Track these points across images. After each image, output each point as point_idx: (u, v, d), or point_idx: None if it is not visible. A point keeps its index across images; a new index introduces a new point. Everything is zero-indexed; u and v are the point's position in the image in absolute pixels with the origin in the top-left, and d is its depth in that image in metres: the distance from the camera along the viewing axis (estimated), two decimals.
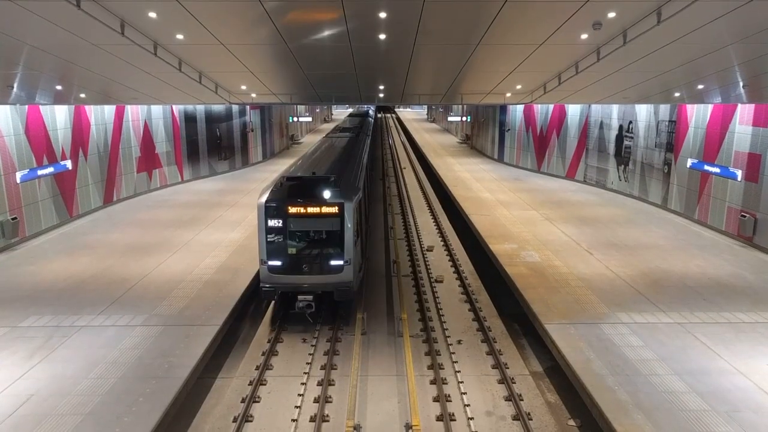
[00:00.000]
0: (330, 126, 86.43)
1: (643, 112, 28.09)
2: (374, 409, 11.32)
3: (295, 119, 56.22)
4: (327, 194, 14.42)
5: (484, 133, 48.86)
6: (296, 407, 11.31)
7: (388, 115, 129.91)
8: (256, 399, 11.66)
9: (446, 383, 12.20)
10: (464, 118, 56.09)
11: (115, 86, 17.58)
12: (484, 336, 14.50)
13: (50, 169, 22.38)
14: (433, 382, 12.28)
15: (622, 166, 30.00)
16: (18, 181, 20.51)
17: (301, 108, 58.39)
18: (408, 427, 10.43)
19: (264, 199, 14.57)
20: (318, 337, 14.46)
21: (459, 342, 14.24)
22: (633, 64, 13.81)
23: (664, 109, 26.20)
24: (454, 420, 10.89)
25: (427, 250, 22.13)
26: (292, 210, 14.38)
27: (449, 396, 11.66)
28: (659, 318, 14.02)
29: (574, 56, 13.91)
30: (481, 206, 26.96)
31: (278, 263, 14.56)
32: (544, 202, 28.09)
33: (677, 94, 19.34)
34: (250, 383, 12.15)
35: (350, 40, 12.39)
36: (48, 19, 10.16)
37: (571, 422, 11.26)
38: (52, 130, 22.69)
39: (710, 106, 22.79)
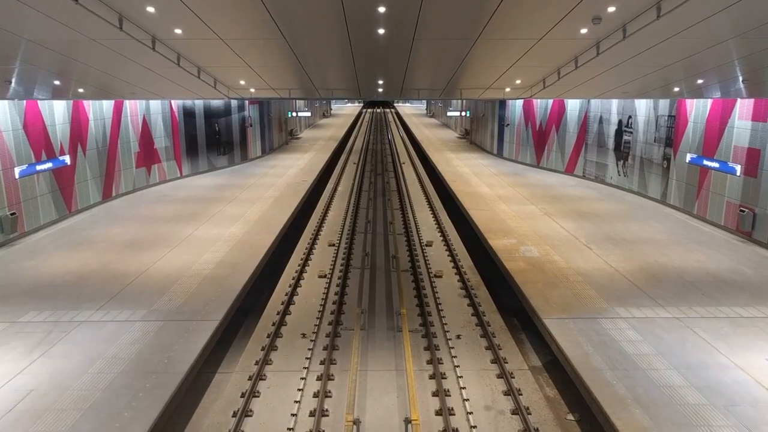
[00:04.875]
0: (329, 121, 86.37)
1: (642, 106, 28.06)
2: (373, 403, 11.35)
3: (294, 114, 56.10)
4: None
5: (484, 128, 48.80)
6: (296, 402, 11.34)
7: (387, 110, 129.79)
8: (256, 393, 11.69)
9: (445, 378, 12.23)
10: (463, 113, 55.99)
11: (114, 81, 17.55)
12: (483, 331, 14.52)
13: (49, 165, 22.35)
14: (432, 377, 12.30)
15: (622, 161, 29.99)
16: (16, 176, 20.48)
17: (300, 103, 58.26)
18: (407, 421, 10.45)
19: None
20: (317, 333, 14.48)
21: (458, 337, 14.26)
22: (632, 59, 13.79)
23: (664, 104, 26.17)
24: (453, 414, 10.92)
25: (427, 245, 22.14)
26: None
27: (448, 390, 11.68)
28: (658, 312, 14.05)
29: (573, 51, 13.90)
30: (480, 201, 26.96)
31: None
32: (543, 197, 28.09)
33: (677, 89, 19.33)
34: (250, 378, 12.18)
35: (349, 35, 12.37)
36: (45, 14, 10.13)
37: (570, 416, 11.30)
38: (51, 125, 22.64)
39: (709, 101, 22.77)
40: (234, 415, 10.89)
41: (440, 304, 16.34)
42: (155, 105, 31.43)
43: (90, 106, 25.57)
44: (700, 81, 17.13)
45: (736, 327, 13.25)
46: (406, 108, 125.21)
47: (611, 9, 10.39)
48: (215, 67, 16.07)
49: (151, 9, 10.35)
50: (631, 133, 29.00)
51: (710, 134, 22.80)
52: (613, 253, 18.70)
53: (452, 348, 13.62)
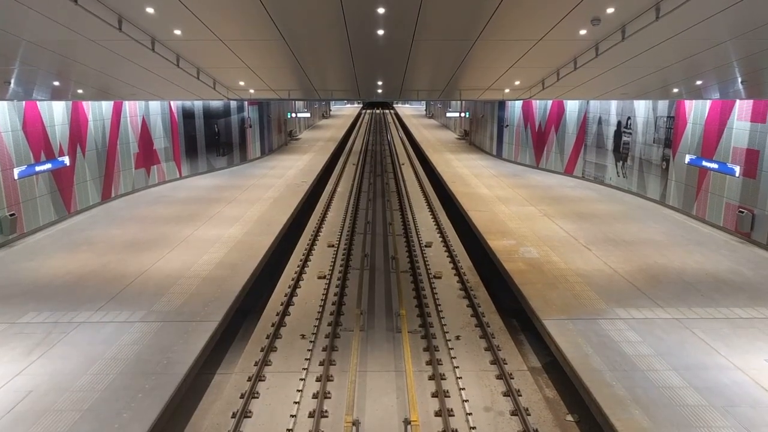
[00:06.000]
0: (328, 122, 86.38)
1: (641, 107, 28.08)
2: (373, 404, 11.35)
3: (294, 115, 56.07)
4: None
5: (483, 129, 48.82)
6: (295, 403, 11.34)
7: (386, 111, 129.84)
8: (255, 394, 11.68)
9: (445, 379, 12.23)
10: (463, 114, 56.02)
11: (113, 82, 17.55)
12: (483, 332, 14.52)
13: (48, 165, 22.34)
14: (431, 378, 12.30)
15: (621, 161, 30.01)
16: (16, 177, 20.47)
17: (299, 104, 58.27)
18: (407, 422, 10.46)
19: None
20: (317, 334, 14.48)
21: (457, 338, 14.26)
22: (631, 60, 13.80)
23: (663, 105, 26.19)
24: (453, 415, 10.92)
25: (426, 246, 22.14)
26: None
27: (448, 391, 11.68)
28: (657, 313, 14.05)
29: (572, 52, 13.91)
30: (479, 202, 26.97)
31: None
32: (542, 198, 28.11)
33: (676, 90, 19.34)
34: (249, 379, 12.17)
35: (349, 36, 12.37)
36: (45, 15, 10.13)
37: (570, 417, 11.31)
38: (50, 126, 22.63)
39: (708, 102, 22.79)
40: (233, 416, 10.88)
41: (439, 305, 16.33)
42: (154, 106, 31.41)
43: (89, 107, 25.56)
44: (699, 82, 17.14)
45: (735, 328, 13.26)
46: (405, 109, 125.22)
47: (610, 10, 10.40)
48: (214, 68, 16.07)
49: (150, 10, 10.35)
50: (630, 134, 29.02)
51: (709, 135, 22.82)
52: (613, 254, 18.71)
53: (451, 349, 13.61)
